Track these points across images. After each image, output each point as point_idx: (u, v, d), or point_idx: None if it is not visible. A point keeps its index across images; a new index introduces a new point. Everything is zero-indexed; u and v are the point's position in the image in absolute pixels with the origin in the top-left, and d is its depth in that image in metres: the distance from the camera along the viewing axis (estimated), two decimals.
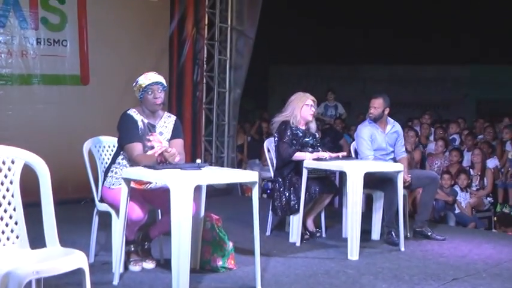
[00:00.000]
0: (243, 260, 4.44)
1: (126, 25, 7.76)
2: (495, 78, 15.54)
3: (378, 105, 5.72)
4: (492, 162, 8.27)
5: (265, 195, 8.83)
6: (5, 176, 2.80)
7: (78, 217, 5.57)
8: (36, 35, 7.01)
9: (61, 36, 7.20)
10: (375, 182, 5.41)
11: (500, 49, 14.74)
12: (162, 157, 3.98)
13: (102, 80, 7.48)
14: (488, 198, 8.00)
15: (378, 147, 5.72)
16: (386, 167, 5.42)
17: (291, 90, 5.79)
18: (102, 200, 4.26)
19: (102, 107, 7.32)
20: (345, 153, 5.63)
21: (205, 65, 8.92)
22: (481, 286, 4.19)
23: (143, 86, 4.15)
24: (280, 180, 5.42)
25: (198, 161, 3.96)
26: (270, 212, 5.57)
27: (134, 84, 4.22)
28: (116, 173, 4.15)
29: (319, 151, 5.38)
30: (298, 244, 5.28)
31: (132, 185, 3.95)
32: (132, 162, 4.06)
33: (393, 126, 5.85)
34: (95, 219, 4.37)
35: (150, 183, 4.09)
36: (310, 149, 5.38)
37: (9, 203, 2.81)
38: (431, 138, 9.53)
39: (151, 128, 4.20)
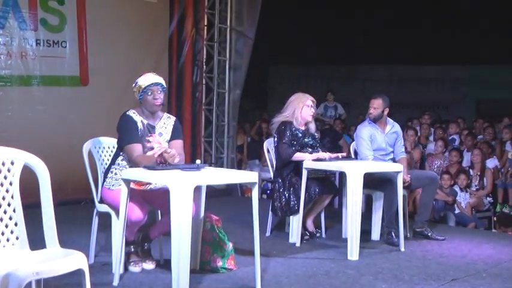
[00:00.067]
0: (243, 261, 4.44)
1: (125, 26, 7.76)
2: (495, 78, 15.53)
3: (377, 105, 5.73)
4: (492, 162, 8.27)
5: (265, 196, 8.83)
6: (5, 177, 2.80)
7: (78, 218, 5.58)
8: (35, 36, 7.01)
9: (60, 38, 7.21)
10: (375, 183, 5.41)
11: (499, 49, 14.73)
12: (161, 158, 3.98)
13: (102, 81, 7.48)
14: (488, 198, 8.00)
15: (377, 147, 5.72)
16: (386, 167, 5.42)
17: (290, 91, 5.79)
18: (101, 201, 4.26)
19: (101, 108, 7.33)
20: (344, 154, 5.65)
21: (204, 66, 8.92)
22: (481, 286, 4.19)
23: (143, 87, 4.15)
24: (280, 180, 5.42)
25: (198, 161, 3.95)
26: (270, 212, 5.58)
27: (134, 85, 4.22)
28: (115, 173, 4.15)
29: (318, 151, 5.38)
30: (298, 244, 5.28)
31: (132, 185, 3.95)
32: (132, 163, 4.06)
33: (393, 127, 5.86)
34: (95, 220, 4.37)
35: (150, 184, 4.10)
36: (309, 150, 5.38)
37: (8, 204, 2.81)
38: (431, 138, 9.53)
39: (150, 129, 4.20)
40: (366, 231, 5.45)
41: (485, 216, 7.87)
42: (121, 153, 4.19)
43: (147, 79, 4.18)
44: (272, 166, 5.68)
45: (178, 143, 4.27)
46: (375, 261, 4.79)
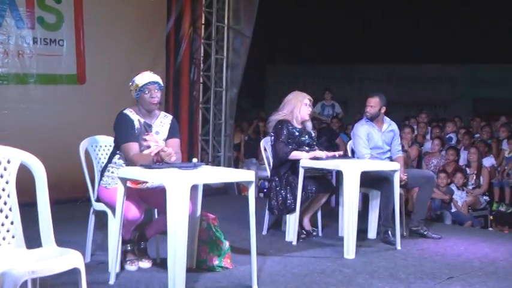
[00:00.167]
0: (240, 259, 4.44)
1: (122, 24, 7.76)
2: (492, 77, 15.58)
3: (374, 104, 5.74)
4: (488, 161, 8.29)
5: (261, 195, 8.83)
6: (1, 176, 2.80)
7: (75, 217, 5.58)
8: (32, 34, 7.00)
9: (57, 36, 7.20)
10: (371, 181, 5.41)
11: (496, 48, 14.76)
12: (158, 157, 3.99)
13: (99, 80, 7.47)
14: (485, 197, 8.01)
15: (374, 145, 5.73)
16: (382, 166, 5.43)
17: (288, 89, 5.79)
18: (98, 200, 4.26)
19: (98, 106, 7.32)
20: (341, 152, 5.65)
21: (202, 64, 8.92)
22: (476, 284, 4.20)
23: (140, 85, 4.15)
24: (277, 179, 5.43)
25: (195, 160, 3.95)
26: (267, 211, 5.58)
27: (131, 83, 4.22)
28: (112, 172, 4.15)
29: (315, 150, 5.39)
30: (294, 243, 5.29)
31: (129, 184, 3.95)
32: (129, 161, 4.06)
33: (389, 125, 5.87)
34: (91, 219, 4.36)
35: (147, 182, 4.10)
36: (306, 148, 5.39)
37: (5, 203, 2.81)
38: (428, 137, 9.54)
39: (147, 127, 4.20)
40: (362, 230, 5.45)
41: (482, 214, 7.89)
42: (118, 152, 4.19)
43: (144, 78, 4.18)
44: (269, 165, 5.69)
45: (175, 141, 4.27)
46: (371, 260, 4.80)
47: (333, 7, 15.67)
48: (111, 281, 3.88)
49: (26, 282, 2.60)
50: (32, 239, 2.90)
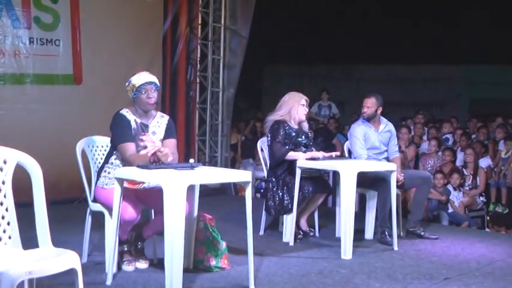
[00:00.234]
0: (237, 260, 4.44)
1: (119, 24, 7.75)
2: (488, 78, 15.61)
3: (370, 104, 5.74)
4: (485, 162, 8.30)
5: (258, 195, 8.82)
6: None
7: (71, 217, 5.57)
8: (29, 34, 6.99)
9: (54, 36, 7.19)
10: (368, 182, 5.42)
11: (493, 49, 14.78)
12: (155, 157, 3.98)
13: (95, 80, 7.46)
14: (481, 198, 8.02)
15: (371, 146, 5.73)
16: (379, 166, 5.43)
17: (284, 90, 5.79)
18: (95, 200, 4.25)
19: (95, 106, 7.31)
20: (338, 153, 5.64)
21: (198, 65, 8.92)
22: (473, 285, 4.20)
23: (136, 85, 4.15)
24: (274, 179, 5.42)
25: (191, 160, 3.95)
26: (264, 211, 5.58)
27: (127, 84, 4.21)
28: (109, 172, 4.15)
29: (312, 150, 5.39)
30: (291, 244, 5.28)
31: (125, 184, 3.95)
32: (125, 162, 4.05)
33: (386, 125, 5.88)
34: (88, 219, 4.36)
35: (143, 183, 4.09)
36: (303, 149, 5.39)
37: (1, 204, 2.80)
38: (425, 137, 9.55)
39: (144, 128, 4.20)
40: (359, 231, 5.46)
41: (479, 215, 7.90)
42: (114, 152, 4.18)
43: (141, 78, 4.17)
44: (266, 165, 5.68)
45: (172, 142, 4.27)
46: (368, 261, 4.80)
47: (330, 8, 15.68)
48: (108, 282, 3.87)
49: (22, 282, 2.59)
50: (29, 240, 2.90)
